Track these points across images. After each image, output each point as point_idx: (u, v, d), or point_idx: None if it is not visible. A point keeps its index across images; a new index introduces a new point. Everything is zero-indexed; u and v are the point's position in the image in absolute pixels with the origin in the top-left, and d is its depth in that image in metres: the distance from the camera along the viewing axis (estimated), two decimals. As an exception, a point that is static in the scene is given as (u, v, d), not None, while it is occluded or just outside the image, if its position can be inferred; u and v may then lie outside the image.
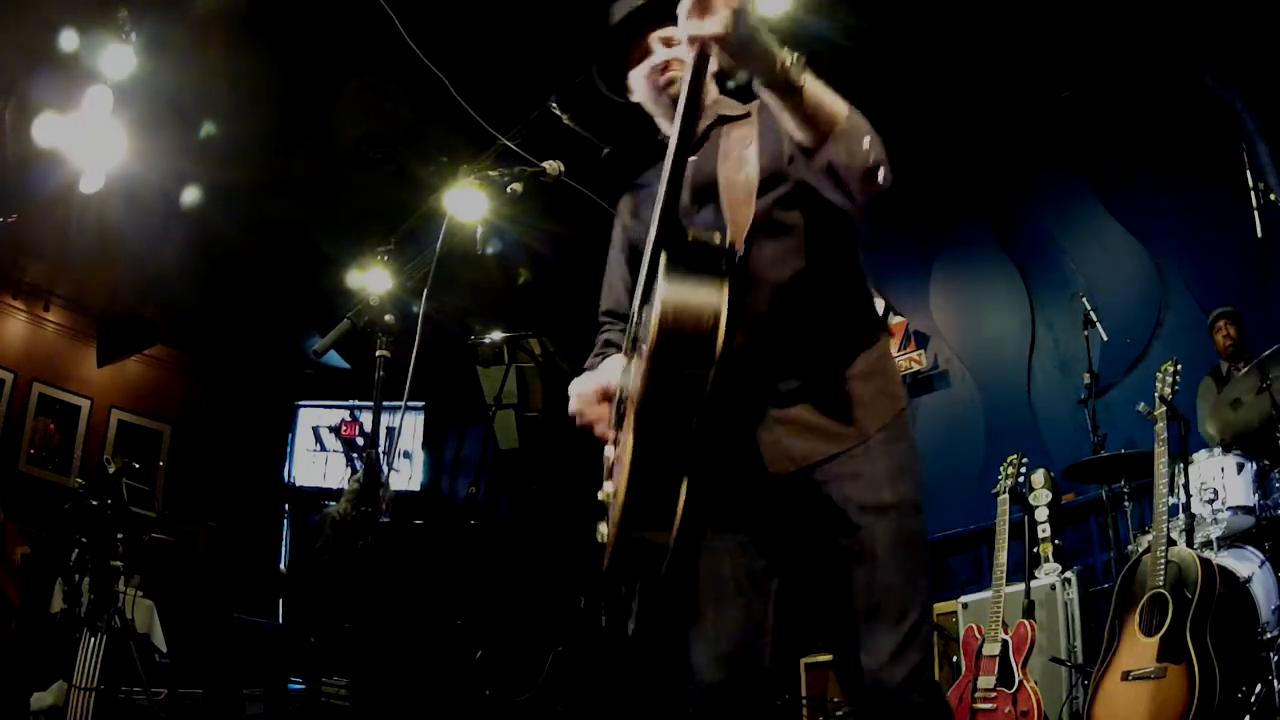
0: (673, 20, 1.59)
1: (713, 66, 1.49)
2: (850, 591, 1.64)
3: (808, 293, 1.70)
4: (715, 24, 1.40)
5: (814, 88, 1.53)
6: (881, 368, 1.75)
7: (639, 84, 1.89)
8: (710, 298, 1.49)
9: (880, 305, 6.58)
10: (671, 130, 1.59)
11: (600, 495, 1.70)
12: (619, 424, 1.72)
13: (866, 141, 1.55)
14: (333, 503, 5.68)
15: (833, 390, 1.70)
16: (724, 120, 1.80)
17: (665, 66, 1.84)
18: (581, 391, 1.81)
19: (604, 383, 1.78)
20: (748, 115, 1.78)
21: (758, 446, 1.69)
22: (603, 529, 1.67)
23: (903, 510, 1.65)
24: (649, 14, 1.84)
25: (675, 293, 1.48)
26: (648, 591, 1.69)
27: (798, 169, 1.66)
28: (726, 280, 1.50)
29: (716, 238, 1.55)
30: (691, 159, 1.79)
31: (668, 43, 1.85)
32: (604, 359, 1.91)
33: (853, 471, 1.66)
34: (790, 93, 1.51)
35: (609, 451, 1.75)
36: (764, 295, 1.68)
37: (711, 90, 1.84)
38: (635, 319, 1.71)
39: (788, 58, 1.49)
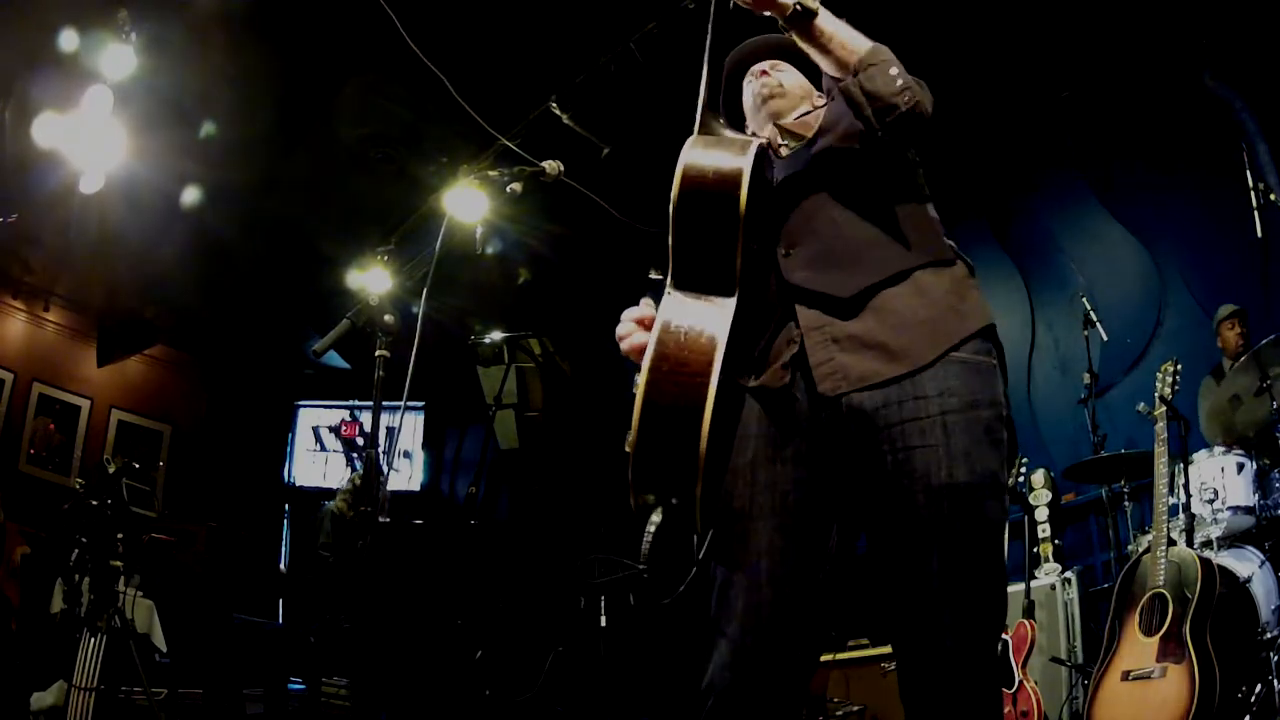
0: (783, 58, 1.95)
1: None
2: (915, 578, 1.49)
3: (867, 204, 1.66)
4: None
5: (828, 20, 1.65)
6: (956, 286, 1.63)
7: (747, 98, 2.00)
8: (733, 160, 1.51)
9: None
10: (761, 116, 1.89)
11: (634, 389, 1.52)
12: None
13: (891, 72, 1.62)
14: (329, 502, 5.68)
15: (895, 304, 1.58)
16: (820, 136, 1.85)
17: (767, 83, 1.96)
18: (629, 313, 1.71)
19: (650, 314, 1.67)
20: None
21: (811, 370, 1.56)
22: (631, 434, 1.50)
23: (979, 492, 1.49)
24: (760, 51, 2.02)
25: (697, 155, 1.52)
26: (708, 549, 1.58)
27: (835, 104, 1.75)
28: (751, 151, 1.53)
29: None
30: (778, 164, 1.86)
31: (773, 66, 1.99)
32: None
33: (923, 441, 1.50)
34: (801, 23, 1.62)
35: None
36: (818, 204, 1.68)
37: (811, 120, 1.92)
38: None
39: None
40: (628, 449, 1.47)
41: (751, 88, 1.97)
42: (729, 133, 1.84)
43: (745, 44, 2.03)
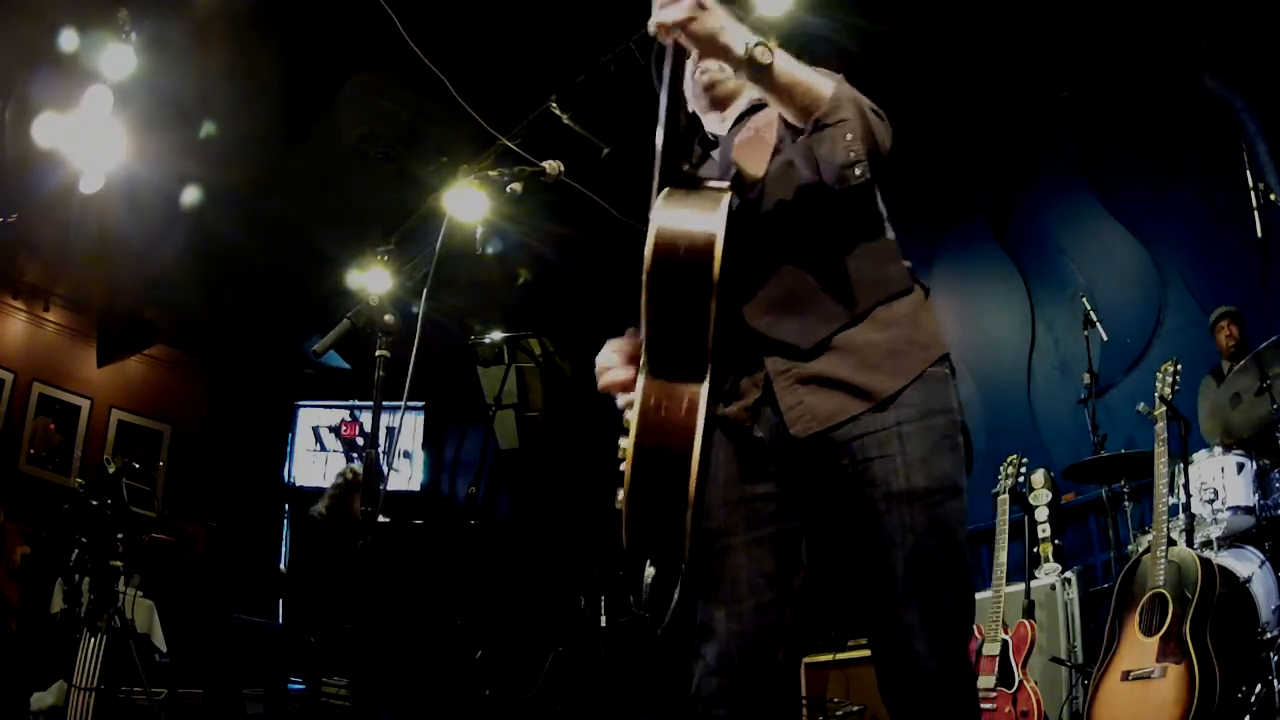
0: None
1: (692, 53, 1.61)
2: (881, 581, 1.55)
3: (824, 244, 1.67)
4: (677, 11, 1.53)
5: (785, 70, 1.59)
6: (911, 319, 1.67)
7: (688, 83, 1.93)
8: (705, 222, 1.49)
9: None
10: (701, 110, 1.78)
11: (619, 454, 1.61)
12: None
13: (847, 138, 1.58)
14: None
15: (856, 344, 1.63)
16: (756, 108, 1.85)
17: (703, 74, 1.92)
18: (604, 357, 1.77)
19: (626, 348, 1.75)
20: None
21: (779, 412, 1.62)
22: (621, 494, 1.58)
23: (937, 495, 1.56)
24: None
25: (668, 217, 1.49)
26: (684, 577, 1.62)
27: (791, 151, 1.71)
28: (724, 205, 1.52)
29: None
30: (722, 139, 1.87)
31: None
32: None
33: (881, 452, 1.57)
34: (758, 75, 1.58)
35: (629, 414, 1.67)
36: (781, 243, 1.67)
37: (748, 87, 1.87)
38: None
39: (750, 41, 1.56)
40: (618, 506, 1.55)
41: (693, 75, 1.90)
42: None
43: None
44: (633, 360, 1.72)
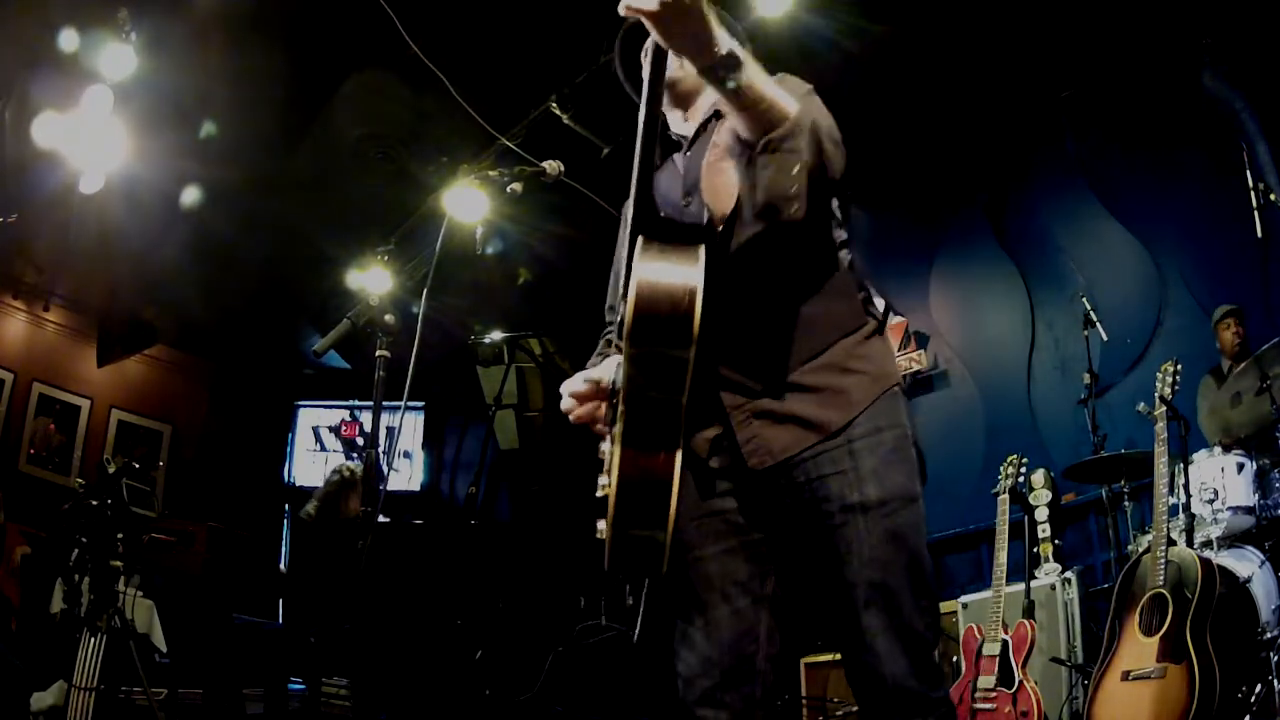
0: None
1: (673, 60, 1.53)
2: (842, 589, 1.62)
3: (785, 281, 1.69)
4: (649, 3, 1.41)
5: (756, 84, 1.51)
6: (864, 353, 1.72)
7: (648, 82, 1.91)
8: (685, 276, 1.48)
9: (880, 304, 6.57)
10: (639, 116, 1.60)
11: (599, 491, 1.68)
12: (613, 420, 1.70)
13: (793, 171, 1.54)
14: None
15: (811, 378, 1.67)
16: (720, 115, 1.78)
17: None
18: (573, 389, 1.79)
19: (595, 377, 1.77)
20: None
21: (737, 445, 1.68)
22: (602, 525, 1.65)
23: (890, 505, 1.62)
24: None
25: (649, 272, 1.48)
26: (653, 593, 1.69)
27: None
28: (701, 259, 1.49)
29: (691, 217, 1.58)
30: (685, 154, 1.82)
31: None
32: (604, 359, 1.92)
33: (835, 469, 1.63)
34: (723, 83, 1.50)
35: (604, 446, 1.75)
36: (741, 285, 1.66)
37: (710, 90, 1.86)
38: (621, 312, 1.70)
39: (723, 47, 1.47)
40: (599, 536, 1.62)
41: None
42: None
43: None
44: (598, 395, 1.77)
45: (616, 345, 1.92)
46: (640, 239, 1.51)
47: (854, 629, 1.61)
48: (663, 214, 1.78)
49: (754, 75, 1.52)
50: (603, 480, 1.68)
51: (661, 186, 1.86)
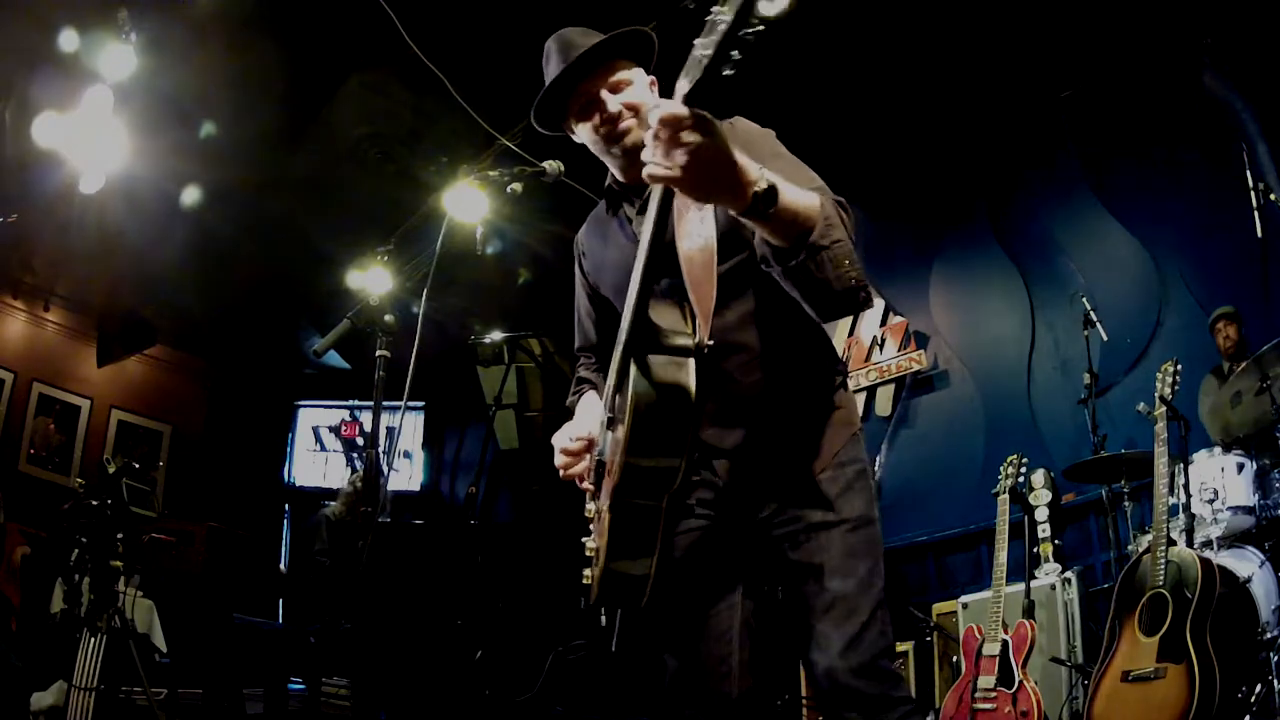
0: (621, 57, 1.74)
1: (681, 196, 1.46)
2: (806, 600, 1.75)
3: (769, 349, 1.79)
4: (673, 168, 1.34)
5: (787, 204, 1.44)
6: (839, 401, 1.87)
7: (587, 135, 1.84)
8: (681, 401, 1.54)
9: (880, 305, 6.59)
10: (641, 242, 1.55)
11: (587, 550, 1.78)
12: (598, 482, 1.79)
13: (847, 263, 1.50)
14: (330, 503, 5.68)
15: (794, 430, 1.82)
16: None
17: (617, 118, 1.78)
18: (565, 447, 1.89)
19: (583, 436, 1.87)
20: None
21: (716, 476, 1.83)
22: (588, 573, 1.77)
23: (850, 523, 1.77)
24: (600, 54, 1.79)
25: (645, 397, 1.53)
26: (628, 618, 1.77)
27: (769, 270, 1.59)
28: (695, 385, 1.54)
29: (682, 339, 1.55)
30: (638, 214, 1.82)
31: (615, 88, 1.80)
32: (580, 397, 2.04)
33: (805, 494, 1.79)
34: (764, 219, 1.45)
35: (591, 507, 1.84)
36: (729, 357, 1.77)
37: None
38: (611, 397, 1.70)
39: (759, 180, 1.41)
40: (585, 582, 1.77)
41: (594, 128, 1.78)
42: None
43: (567, 50, 1.82)
44: (586, 450, 1.87)
45: (590, 383, 2.08)
46: (634, 368, 1.54)
47: (812, 636, 1.73)
48: (614, 286, 1.86)
49: (785, 192, 1.44)
50: (590, 542, 1.79)
51: (609, 251, 1.91)
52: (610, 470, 1.66)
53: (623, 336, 1.60)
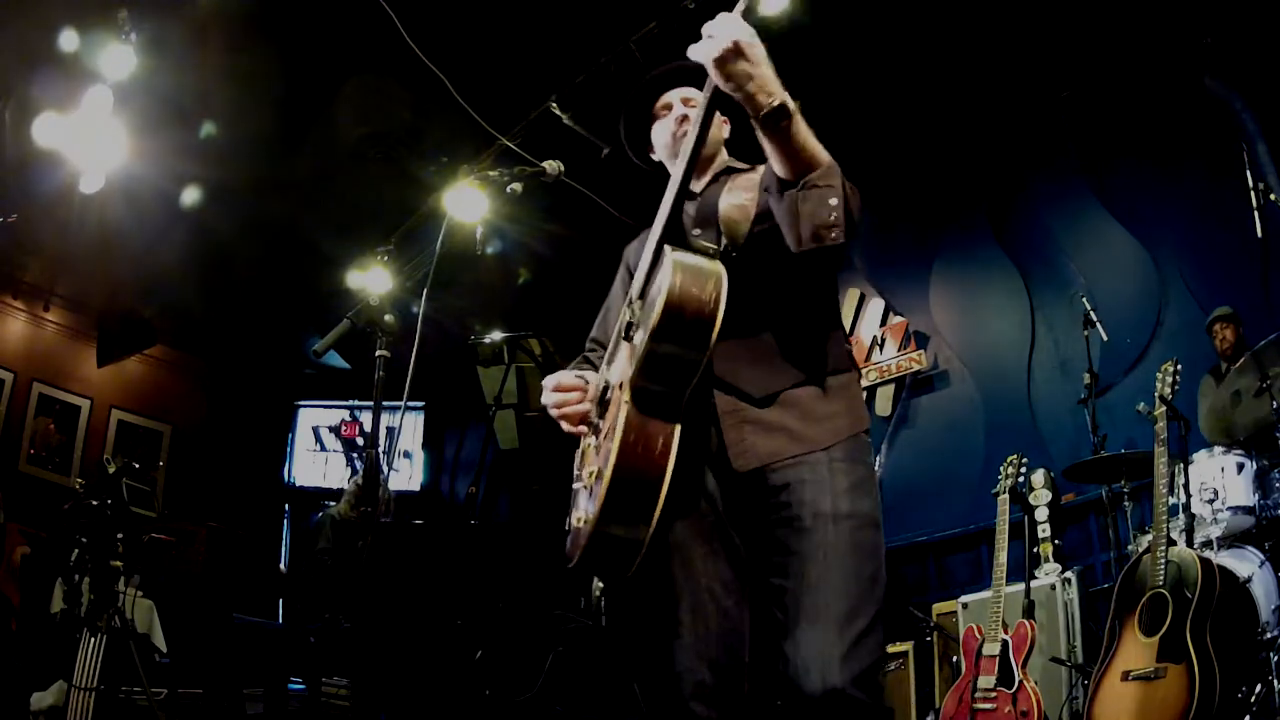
0: (693, 83, 1.94)
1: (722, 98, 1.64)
2: (801, 591, 1.69)
3: (787, 312, 1.83)
4: (715, 48, 1.57)
5: (801, 131, 1.64)
6: (848, 393, 1.87)
7: (659, 135, 2.06)
8: (711, 284, 1.61)
9: (880, 305, 6.59)
10: (679, 157, 1.76)
11: (575, 484, 1.78)
12: (602, 413, 1.81)
13: (831, 202, 1.65)
14: (333, 503, 5.68)
15: (800, 401, 1.81)
16: (732, 171, 1.98)
17: (684, 118, 2.02)
18: (561, 384, 1.91)
19: (584, 376, 1.91)
20: (752, 170, 1.95)
21: (725, 447, 1.79)
22: (574, 516, 1.75)
23: (858, 522, 1.74)
24: (675, 77, 2.06)
25: (682, 274, 1.60)
26: (614, 592, 1.76)
27: (770, 199, 1.76)
28: (724, 272, 1.64)
29: (711, 247, 1.71)
30: (695, 202, 1.96)
31: (686, 102, 2.04)
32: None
33: (813, 477, 1.75)
34: (775, 127, 1.62)
35: (587, 443, 1.85)
36: (747, 306, 1.76)
37: (724, 152, 2.04)
38: (631, 311, 1.80)
39: (779, 97, 1.60)
40: (577, 524, 1.74)
41: (667, 127, 2.03)
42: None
43: (660, 69, 2.07)
44: (587, 396, 1.91)
45: (594, 367, 2.08)
46: (669, 247, 1.64)
47: (800, 631, 1.68)
48: None
49: (800, 124, 1.64)
50: (584, 475, 1.79)
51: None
52: (625, 382, 1.67)
53: (652, 242, 1.75)
